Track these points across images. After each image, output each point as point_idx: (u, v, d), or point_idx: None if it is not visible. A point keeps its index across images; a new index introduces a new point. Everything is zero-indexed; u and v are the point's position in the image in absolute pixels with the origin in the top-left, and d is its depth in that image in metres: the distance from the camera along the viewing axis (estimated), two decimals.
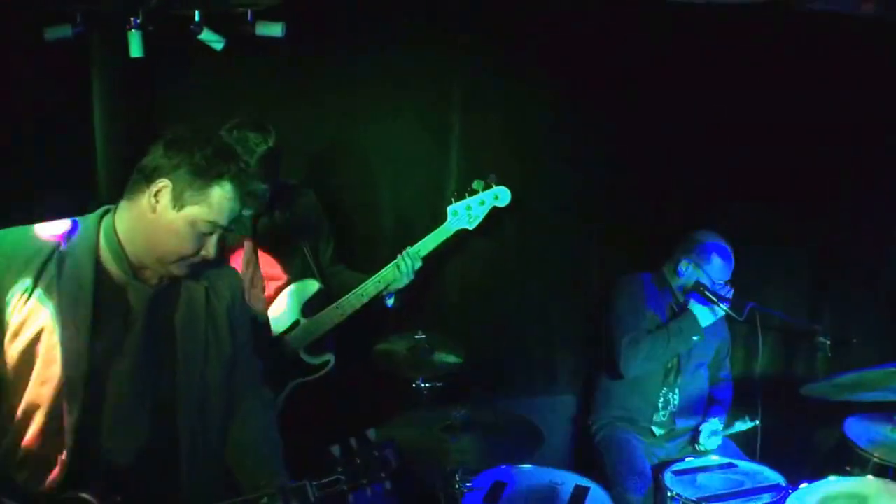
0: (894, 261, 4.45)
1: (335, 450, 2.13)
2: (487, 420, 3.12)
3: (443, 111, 4.04)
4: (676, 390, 3.84)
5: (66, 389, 2.08)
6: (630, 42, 4.04)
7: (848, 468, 3.53)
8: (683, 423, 3.86)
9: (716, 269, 3.78)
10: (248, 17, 3.40)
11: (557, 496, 3.32)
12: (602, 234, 4.30)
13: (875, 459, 3.44)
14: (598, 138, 4.17)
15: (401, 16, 3.83)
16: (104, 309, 2.13)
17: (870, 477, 3.36)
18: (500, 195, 3.59)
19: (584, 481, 3.39)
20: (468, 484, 3.04)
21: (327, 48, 3.82)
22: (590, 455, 3.89)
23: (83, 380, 2.09)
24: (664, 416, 3.83)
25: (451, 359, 3.49)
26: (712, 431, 3.77)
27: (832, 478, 3.31)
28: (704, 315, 3.75)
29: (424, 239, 3.53)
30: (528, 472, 3.45)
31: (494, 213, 3.65)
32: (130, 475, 2.15)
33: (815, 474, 3.37)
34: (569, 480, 3.40)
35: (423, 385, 3.45)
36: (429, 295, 4.09)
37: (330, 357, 3.56)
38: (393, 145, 4.03)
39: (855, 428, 3.60)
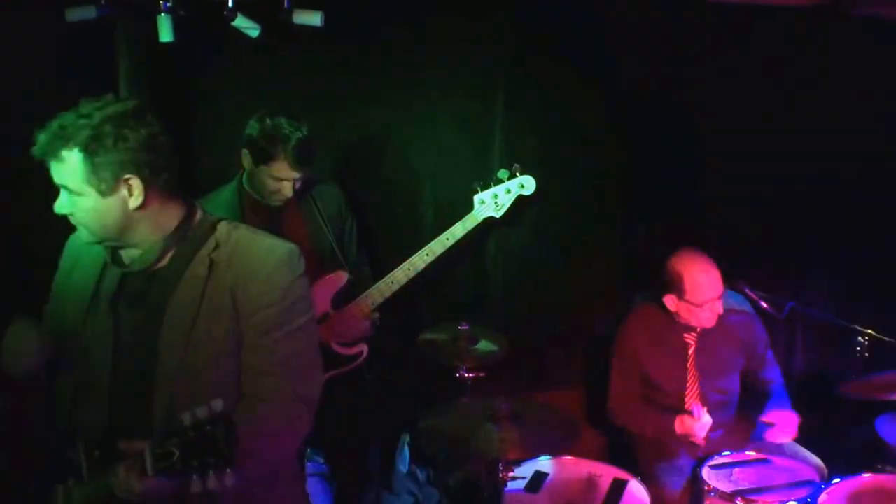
0: None
1: (185, 417, 1.71)
2: (529, 411, 3.17)
3: (481, 107, 4.10)
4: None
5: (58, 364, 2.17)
6: (669, 43, 4.11)
7: (879, 466, 3.58)
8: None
9: (697, 293, 3.64)
10: (286, 4, 3.29)
11: (596, 488, 3.40)
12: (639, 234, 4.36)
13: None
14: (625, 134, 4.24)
15: (440, 11, 3.86)
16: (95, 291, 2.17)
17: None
18: (526, 184, 3.66)
19: (624, 473, 3.47)
20: (511, 473, 3.13)
21: (366, 40, 3.83)
22: (626, 447, 3.94)
23: (65, 356, 2.16)
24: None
25: (493, 347, 3.60)
26: None
27: (865, 475, 3.35)
28: None
29: (451, 227, 3.58)
30: (568, 464, 3.54)
31: (526, 202, 3.73)
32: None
33: (847, 471, 3.41)
34: (607, 473, 3.47)
35: (466, 375, 3.54)
36: (471, 287, 4.17)
37: (363, 347, 3.56)
38: (431, 141, 4.10)
39: (887, 426, 3.60)
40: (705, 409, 3.57)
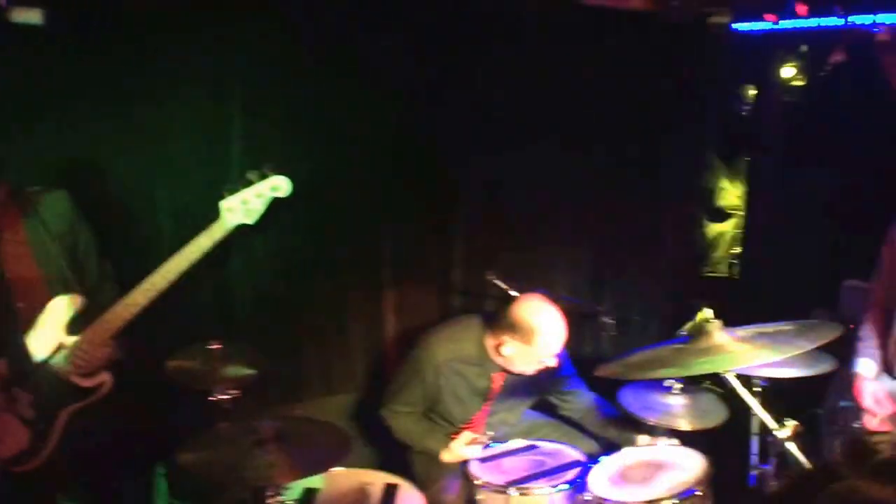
0: (666, 247, 4.81)
1: None
2: (294, 428, 2.98)
3: (220, 105, 3.87)
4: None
5: None
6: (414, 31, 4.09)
7: (639, 436, 3.74)
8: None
9: (549, 349, 3.54)
10: (2, 3, 3.04)
11: (368, 497, 3.29)
12: (394, 230, 4.30)
13: (651, 424, 3.62)
14: (386, 129, 4.18)
15: (174, 12, 3.62)
16: None
17: (661, 442, 3.54)
18: (279, 185, 3.19)
19: (394, 478, 3.38)
20: (279, 498, 2.93)
21: (98, 43, 3.51)
22: (401, 455, 3.87)
23: None
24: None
25: (247, 365, 3.36)
26: None
27: (627, 449, 3.48)
28: None
29: (196, 239, 3.15)
30: (339, 476, 3.39)
31: (280, 208, 3.48)
32: None
33: (612, 447, 3.54)
34: (379, 480, 3.37)
35: (222, 397, 3.30)
36: (220, 301, 3.92)
37: (105, 377, 3.21)
38: (168, 146, 3.81)
39: (629, 397, 3.73)
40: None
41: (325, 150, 4.07)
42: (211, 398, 3.30)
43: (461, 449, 3.58)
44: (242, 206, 3.17)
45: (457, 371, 3.68)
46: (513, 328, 3.54)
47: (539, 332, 3.51)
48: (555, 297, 3.84)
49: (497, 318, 3.65)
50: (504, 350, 3.58)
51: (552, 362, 3.60)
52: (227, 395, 3.31)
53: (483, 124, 4.35)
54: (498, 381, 3.74)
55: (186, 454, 2.90)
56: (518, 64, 4.36)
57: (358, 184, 4.20)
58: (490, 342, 3.64)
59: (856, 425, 3.29)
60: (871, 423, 3.23)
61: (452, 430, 3.74)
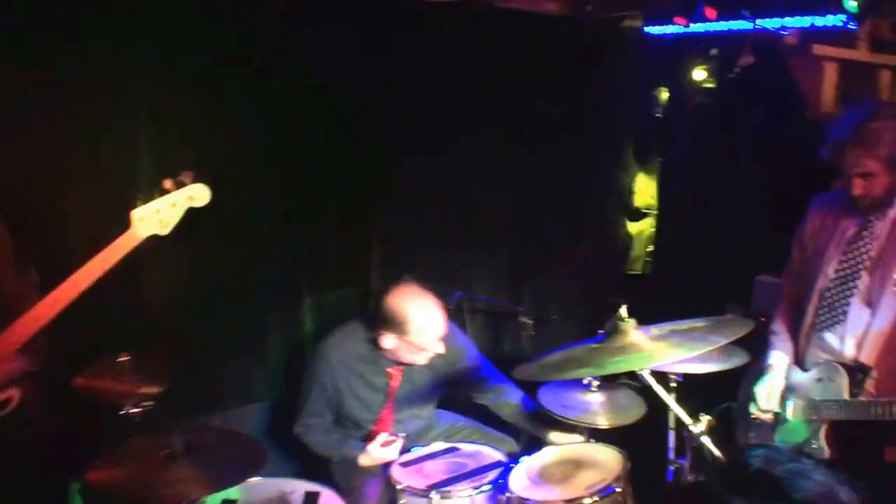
0: (584, 246, 4.87)
1: None
2: (207, 440, 2.94)
3: (129, 112, 3.74)
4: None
5: None
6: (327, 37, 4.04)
7: (558, 434, 3.76)
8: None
9: (425, 336, 3.53)
10: None
11: None
12: (311, 235, 4.25)
13: (570, 423, 3.66)
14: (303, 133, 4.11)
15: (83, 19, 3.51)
16: None
17: (577, 439, 3.60)
18: (197, 195, 3.04)
19: (314, 486, 3.33)
20: None
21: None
22: (322, 462, 3.82)
23: None
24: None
25: (161, 379, 3.26)
26: None
27: (547, 448, 3.50)
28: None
29: (104, 251, 2.99)
30: (257, 486, 3.32)
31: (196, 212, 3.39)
32: None
33: (532, 446, 3.56)
34: (299, 488, 3.31)
35: (133, 411, 3.19)
36: (132, 312, 3.80)
37: (13, 393, 3.06)
38: (73, 153, 3.66)
39: (547, 396, 3.74)
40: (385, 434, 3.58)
41: (240, 153, 3.99)
42: (122, 412, 3.21)
43: (377, 451, 3.55)
44: (156, 216, 3.02)
45: (352, 371, 3.69)
46: (386, 321, 3.55)
47: (411, 321, 3.51)
48: (474, 299, 3.87)
49: (373, 313, 3.65)
50: (384, 343, 3.59)
51: (439, 349, 3.60)
52: (139, 408, 3.22)
53: (400, 127, 4.33)
54: (395, 375, 3.74)
55: (96, 471, 2.83)
56: (434, 67, 4.35)
57: (275, 188, 4.13)
58: (374, 338, 3.64)
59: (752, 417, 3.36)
60: (764, 417, 3.31)
61: (364, 433, 3.74)
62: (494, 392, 3.93)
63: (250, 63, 3.90)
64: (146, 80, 3.72)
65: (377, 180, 4.37)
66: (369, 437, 3.67)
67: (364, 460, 3.57)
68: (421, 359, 3.64)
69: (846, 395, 3.04)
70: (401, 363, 3.70)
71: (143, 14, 3.64)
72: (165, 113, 3.79)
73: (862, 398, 3.02)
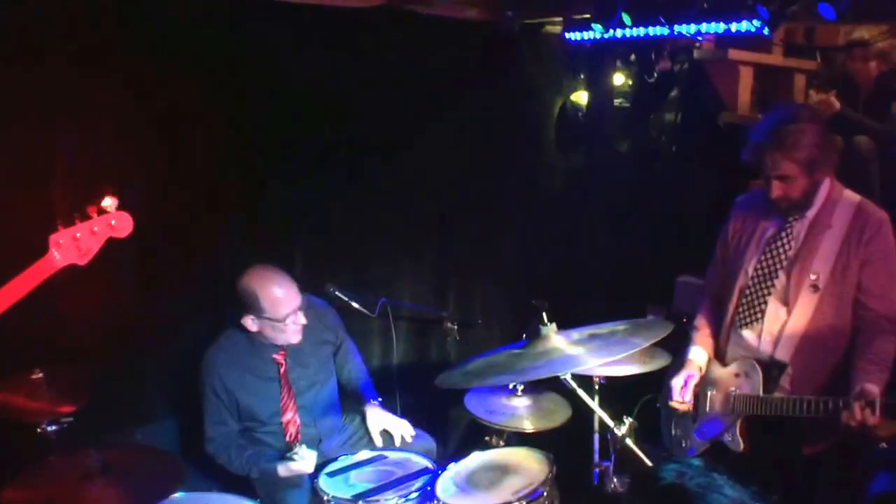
0: (508, 249, 4.89)
1: None
2: (124, 458, 2.88)
3: (47, 130, 3.58)
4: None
5: None
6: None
7: (487, 439, 3.78)
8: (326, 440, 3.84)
9: (277, 308, 3.54)
10: None
11: None
12: (232, 239, 4.19)
13: (497, 427, 3.70)
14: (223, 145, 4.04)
15: None
16: None
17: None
18: (119, 222, 2.86)
19: (240, 500, 3.29)
20: None
21: None
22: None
23: None
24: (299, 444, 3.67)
25: (77, 395, 3.17)
26: None
27: (475, 453, 3.51)
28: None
29: (19, 276, 2.79)
30: (182, 502, 3.26)
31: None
32: None
33: (460, 452, 3.56)
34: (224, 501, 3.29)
35: (50, 429, 3.10)
36: (49, 327, 3.68)
37: None
38: None
39: (473, 402, 3.80)
40: (303, 446, 3.55)
41: (160, 167, 3.90)
42: (38, 430, 3.11)
43: (295, 463, 3.51)
44: (74, 244, 2.85)
45: (240, 367, 3.68)
46: (241, 304, 3.58)
47: (260, 297, 3.52)
48: (399, 306, 3.85)
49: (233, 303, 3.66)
50: (249, 326, 3.59)
51: (300, 319, 3.61)
52: (56, 426, 3.12)
53: (322, 134, 4.29)
54: (280, 360, 3.74)
55: (11, 491, 2.73)
56: (355, 74, 4.33)
57: (194, 199, 4.05)
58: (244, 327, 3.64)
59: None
60: (680, 408, 3.37)
61: (273, 429, 3.73)
62: (345, 361, 4.01)
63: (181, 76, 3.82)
64: (60, 99, 3.59)
65: (298, 191, 4.32)
66: (286, 437, 3.69)
67: (283, 472, 3.53)
68: (292, 335, 3.63)
69: (761, 392, 3.11)
70: (281, 347, 3.69)
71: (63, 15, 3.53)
72: (95, 125, 3.66)
73: (777, 394, 3.10)
